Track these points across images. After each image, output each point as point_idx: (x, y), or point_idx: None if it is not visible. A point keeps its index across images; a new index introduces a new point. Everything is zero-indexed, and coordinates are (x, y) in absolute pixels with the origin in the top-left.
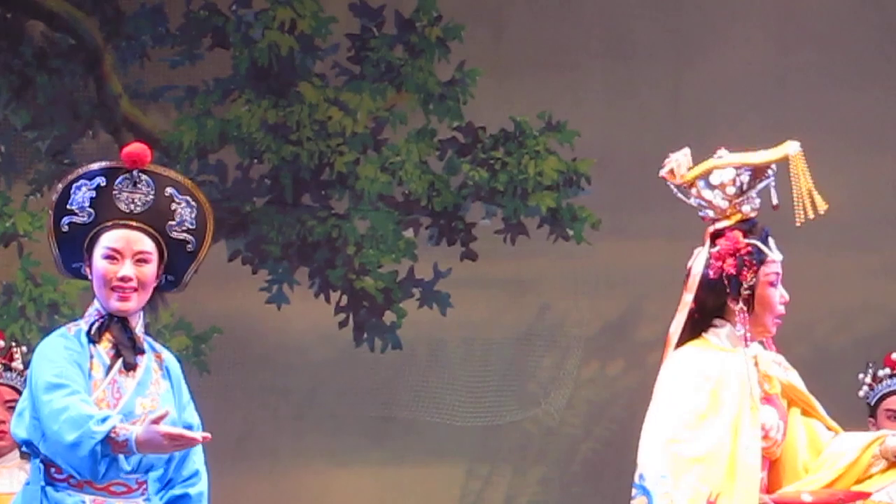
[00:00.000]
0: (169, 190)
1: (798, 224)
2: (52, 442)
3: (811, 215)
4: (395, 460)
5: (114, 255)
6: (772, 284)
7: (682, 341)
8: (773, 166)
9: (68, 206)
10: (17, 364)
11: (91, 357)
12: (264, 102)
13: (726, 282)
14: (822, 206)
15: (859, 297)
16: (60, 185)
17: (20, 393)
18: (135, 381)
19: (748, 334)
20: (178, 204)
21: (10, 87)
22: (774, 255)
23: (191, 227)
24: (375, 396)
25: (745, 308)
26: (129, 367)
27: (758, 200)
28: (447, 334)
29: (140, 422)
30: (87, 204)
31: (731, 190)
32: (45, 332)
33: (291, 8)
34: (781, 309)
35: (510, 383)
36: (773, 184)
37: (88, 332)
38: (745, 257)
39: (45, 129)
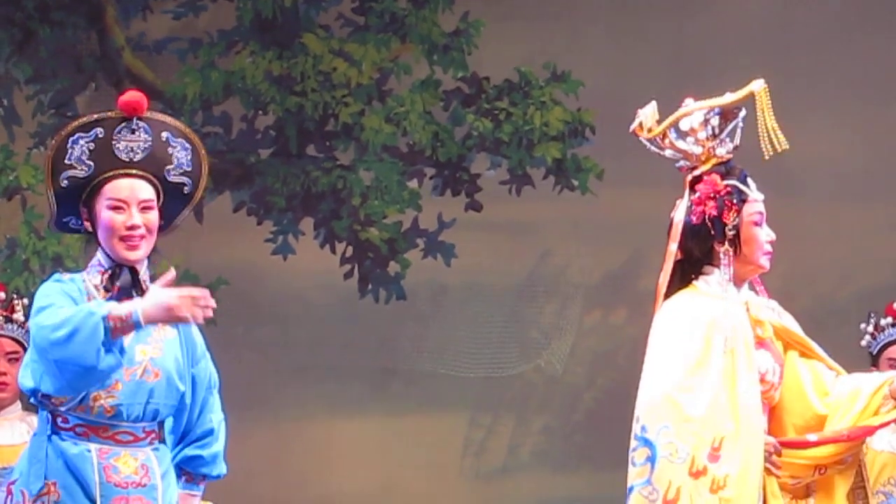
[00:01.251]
0: (164, 134)
1: (766, 158)
2: (51, 348)
3: (773, 151)
4: (398, 411)
5: (120, 206)
6: (756, 224)
7: (671, 291)
8: (743, 107)
9: (66, 162)
10: (19, 316)
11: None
12: (269, 54)
13: (710, 224)
14: (784, 144)
15: (862, 249)
16: (55, 142)
17: (21, 345)
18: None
19: (735, 276)
20: (174, 147)
21: (12, 40)
22: (755, 194)
23: (187, 169)
24: (378, 347)
25: (730, 249)
26: None
27: (731, 143)
28: (449, 281)
29: (137, 370)
30: (85, 157)
31: (702, 134)
32: None
33: None
34: (769, 247)
35: (512, 332)
36: (740, 125)
37: (102, 284)
38: (726, 198)
39: (48, 82)
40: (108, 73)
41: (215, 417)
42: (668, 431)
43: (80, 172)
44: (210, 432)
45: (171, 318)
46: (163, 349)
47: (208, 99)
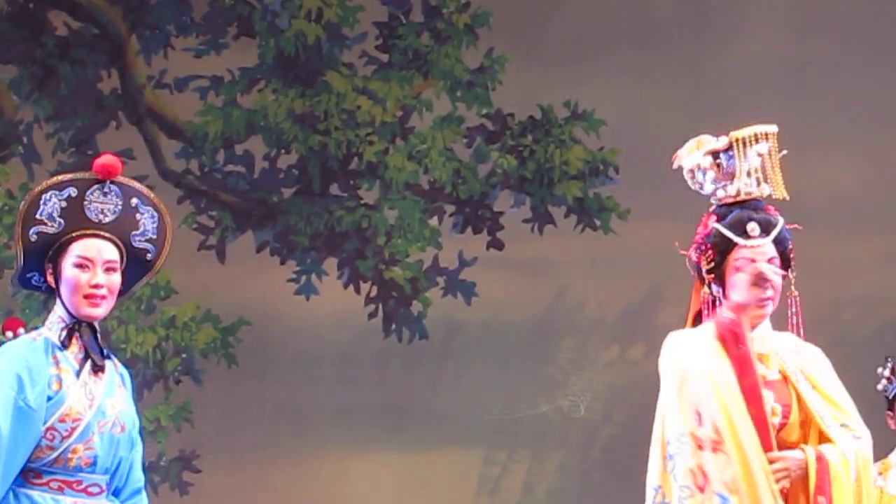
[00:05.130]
0: (134, 200)
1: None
2: None
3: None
4: (413, 448)
5: (85, 264)
6: (738, 270)
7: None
8: (740, 150)
9: (37, 217)
10: None
11: (57, 363)
12: (291, 92)
13: (691, 268)
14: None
15: (880, 283)
16: (29, 197)
17: None
18: (103, 384)
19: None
20: (142, 214)
21: (33, 77)
22: (747, 241)
23: (152, 236)
24: (395, 385)
25: (709, 293)
26: (97, 369)
27: (732, 186)
28: (466, 318)
29: (108, 423)
30: (56, 214)
31: (701, 175)
32: None
33: None
34: (757, 293)
35: (529, 368)
36: (743, 167)
37: (59, 339)
38: (704, 242)
39: (68, 119)
40: (129, 111)
41: (141, 477)
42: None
43: (49, 229)
44: (138, 491)
45: None
46: (125, 402)
47: (230, 137)
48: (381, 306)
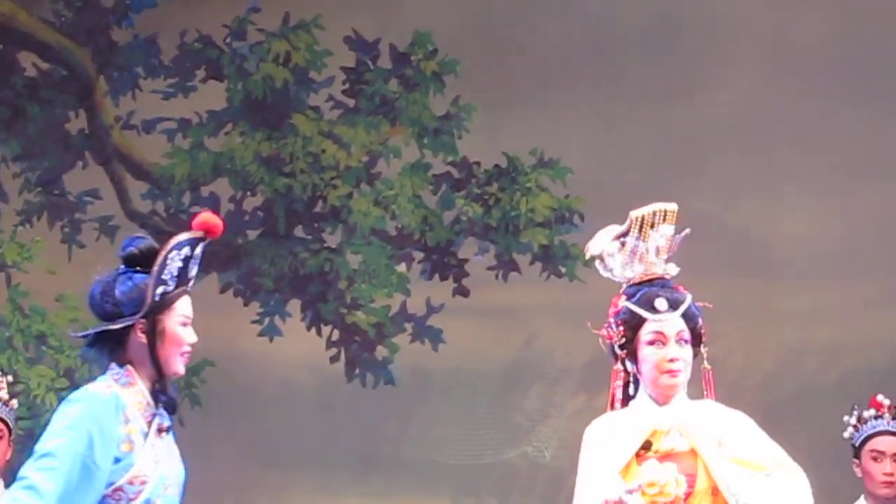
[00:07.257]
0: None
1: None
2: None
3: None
4: (380, 495)
5: (187, 322)
6: (650, 343)
7: None
8: (635, 233)
9: (163, 276)
10: (3, 394)
11: (127, 422)
12: (258, 135)
13: (604, 346)
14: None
15: (845, 331)
16: (160, 256)
17: (6, 423)
18: (164, 444)
19: (652, 393)
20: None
21: (1, 118)
22: (655, 315)
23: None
24: (361, 431)
25: (621, 370)
26: (162, 429)
27: (639, 265)
28: (433, 366)
29: (169, 486)
30: (175, 273)
31: (610, 261)
32: (32, 362)
33: (286, 41)
34: (667, 366)
35: (497, 416)
36: (638, 249)
37: (156, 398)
38: (614, 320)
39: (36, 159)
40: (96, 152)
41: None
42: None
43: (168, 287)
44: None
45: None
46: (179, 464)
47: (197, 179)
48: (343, 350)
